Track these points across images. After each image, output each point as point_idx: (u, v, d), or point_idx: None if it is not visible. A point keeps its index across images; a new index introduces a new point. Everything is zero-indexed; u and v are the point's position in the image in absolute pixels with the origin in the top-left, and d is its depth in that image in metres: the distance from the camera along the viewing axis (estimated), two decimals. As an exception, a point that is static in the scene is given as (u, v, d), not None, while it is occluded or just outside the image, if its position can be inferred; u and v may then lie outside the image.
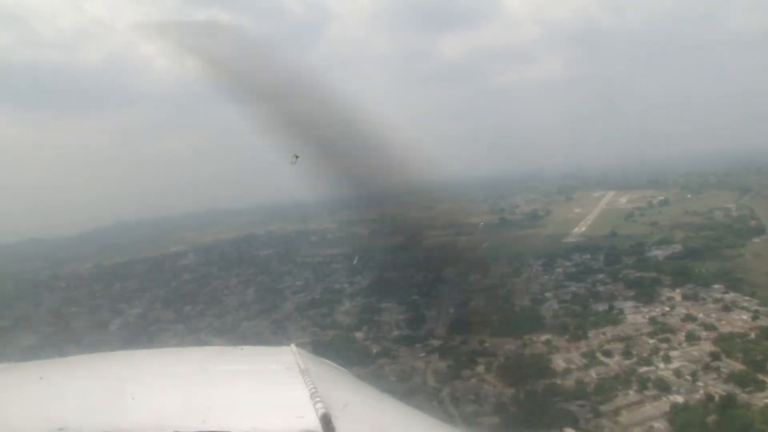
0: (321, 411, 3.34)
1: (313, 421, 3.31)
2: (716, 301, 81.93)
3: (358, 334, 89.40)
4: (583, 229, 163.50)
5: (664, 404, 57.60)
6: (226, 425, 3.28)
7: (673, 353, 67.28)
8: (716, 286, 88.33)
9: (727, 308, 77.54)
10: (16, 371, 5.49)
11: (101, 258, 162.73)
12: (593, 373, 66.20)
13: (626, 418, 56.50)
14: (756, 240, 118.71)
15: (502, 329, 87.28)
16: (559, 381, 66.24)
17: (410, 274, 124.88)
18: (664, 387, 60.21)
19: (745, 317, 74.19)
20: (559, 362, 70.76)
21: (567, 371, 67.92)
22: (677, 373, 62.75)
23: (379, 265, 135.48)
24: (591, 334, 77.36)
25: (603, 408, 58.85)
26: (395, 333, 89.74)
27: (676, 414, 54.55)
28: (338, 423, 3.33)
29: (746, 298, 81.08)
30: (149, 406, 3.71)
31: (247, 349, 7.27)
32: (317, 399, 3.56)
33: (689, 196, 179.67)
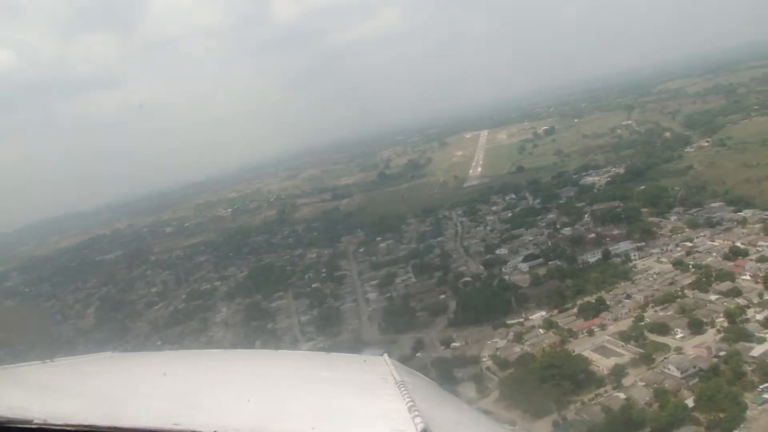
0: (420, 426, 3.23)
1: None
2: (740, 223, 59.79)
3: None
4: (480, 170, 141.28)
5: None
6: None
7: (773, 312, 42.49)
8: (715, 204, 66.84)
9: (770, 230, 55.18)
10: (131, 362, 5.94)
11: None
12: (673, 369, 39.42)
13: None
14: (689, 150, 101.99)
15: (464, 312, 58.36)
16: (619, 394, 38.67)
17: (298, 254, 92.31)
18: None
19: (810, 238, 52.01)
20: (595, 358, 43.37)
21: (618, 372, 40.51)
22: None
23: (255, 249, 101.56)
24: (609, 299, 51.00)
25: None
26: (306, 344, 57.89)
27: None
28: None
29: (771, 213, 59.87)
30: (258, 408, 3.74)
31: (340, 356, 6.84)
32: (416, 412, 3.46)
33: (576, 120, 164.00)
